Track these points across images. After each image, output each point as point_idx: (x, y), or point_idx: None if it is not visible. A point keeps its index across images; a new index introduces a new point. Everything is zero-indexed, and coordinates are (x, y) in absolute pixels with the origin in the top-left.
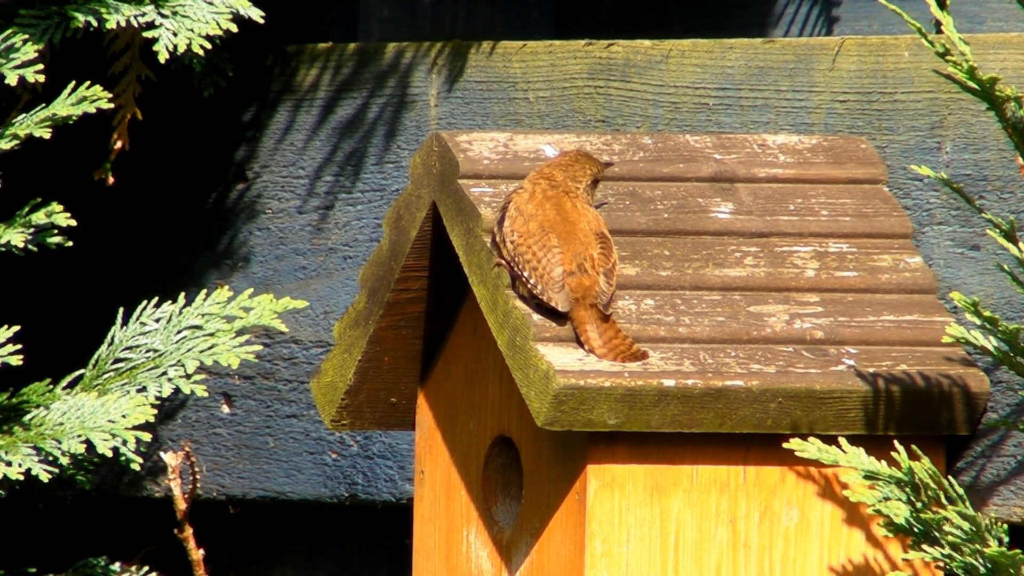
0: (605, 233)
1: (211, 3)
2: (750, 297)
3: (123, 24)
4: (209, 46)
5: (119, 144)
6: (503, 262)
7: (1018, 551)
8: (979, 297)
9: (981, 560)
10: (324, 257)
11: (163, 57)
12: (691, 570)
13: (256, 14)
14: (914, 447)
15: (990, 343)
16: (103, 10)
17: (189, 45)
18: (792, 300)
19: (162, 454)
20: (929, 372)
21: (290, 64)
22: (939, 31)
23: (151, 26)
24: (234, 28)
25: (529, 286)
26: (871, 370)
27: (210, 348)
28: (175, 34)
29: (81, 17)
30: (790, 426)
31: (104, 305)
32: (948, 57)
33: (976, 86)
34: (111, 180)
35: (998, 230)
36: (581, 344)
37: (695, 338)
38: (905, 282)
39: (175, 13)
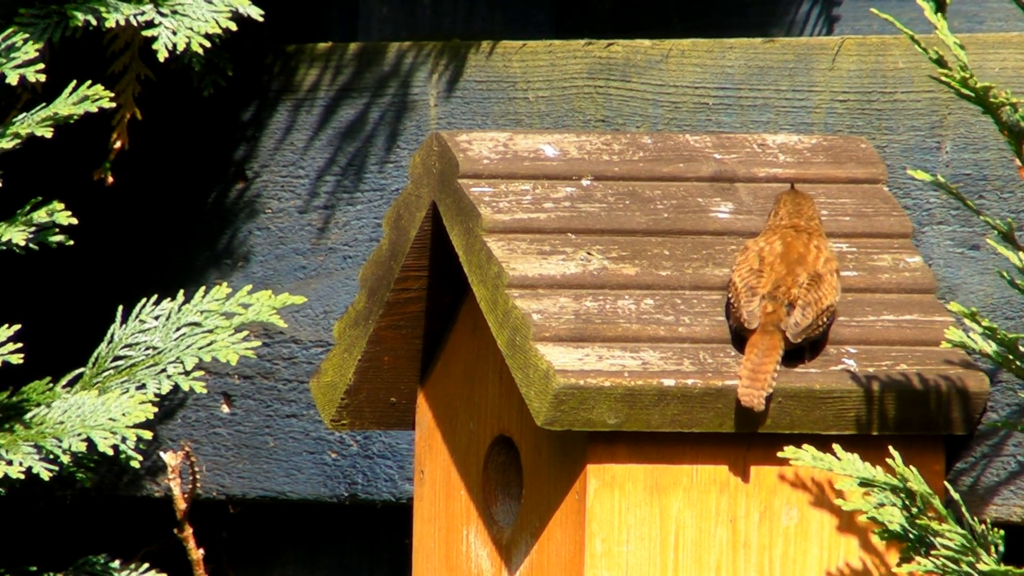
0: (822, 273)
1: (210, 2)
2: None
3: (122, 23)
4: (208, 45)
5: (119, 144)
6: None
7: (1012, 567)
8: (979, 297)
9: (976, 574)
10: (324, 257)
11: (162, 56)
12: (691, 569)
13: (255, 13)
14: (908, 465)
15: (990, 347)
16: (102, 9)
17: (188, 44)
18: None
19: (162, 454)
20: (928, 372)
21: (290, 64)
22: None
23: (150, 25)
24: (233, 27)
25: (732, 308)
26: (871, 370)
27: (209, 345)
28: (174, 33)
29: (80, 16)
30: (790, 426)
31: (104, 304)
32: (941, 69)
33: (971, 93)
34: (110, 179)
35: (996, 232)
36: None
37: (695, 338)
38: (905, 282)
39: (174, 12)
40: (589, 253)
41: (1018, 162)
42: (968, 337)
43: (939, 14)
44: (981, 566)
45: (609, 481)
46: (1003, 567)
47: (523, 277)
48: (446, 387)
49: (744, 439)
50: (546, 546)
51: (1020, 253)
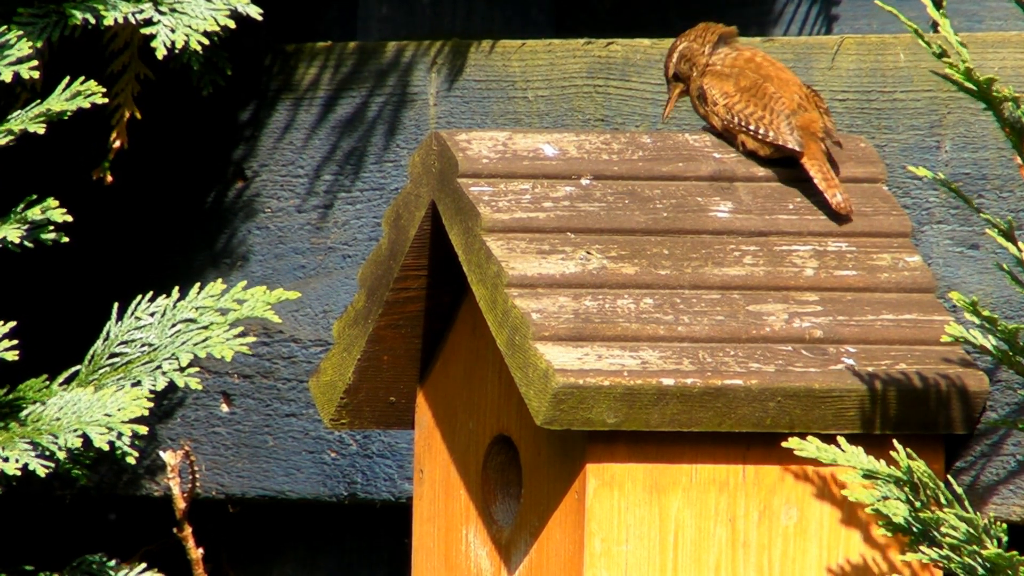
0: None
1: (209, 0)
2: (749, 296)
3: (121, 21)
4: (207, 42)
5: (118, 143)
6: (714, 126)
7: (1015, 552)
8: (978, 296)
9: (980, 561)
10: (323, 256)
11: (160, 53)
12: (690, 569)
13: (254, 11)
14: (910, 450)
15: (989, 342)
16: (101, 7)
17: (187, 42)
18: (791, 299)
19: (161, 453)
20: (928, 371)
21: (289, 63)
22: (936, 31)
23: (149, 23)
24: (232, 24)
25: (760, 136)
26: (870, 369)
27: (204, 341)
28: (173, 31)
29: (79, 15)
30: (789, 425)
31: (101, 303)
32: (944, 59)
33: (973, 87)
34: (109, 179)
35: (996, 229)
36: (811, 178)
37: (694, 337)
38: (904, 281)
39: (173, 10)
40: (588, 252)
41: (1018, 160)
42: (968, 333)
43: (940, 12)
44: (985, 553)
45: (608, 481)
46: (1007, 553)
47: (522, 276)
48: (445, 387)
49: (743, 438)
50: (545, 546)
51: (1021, 244)
